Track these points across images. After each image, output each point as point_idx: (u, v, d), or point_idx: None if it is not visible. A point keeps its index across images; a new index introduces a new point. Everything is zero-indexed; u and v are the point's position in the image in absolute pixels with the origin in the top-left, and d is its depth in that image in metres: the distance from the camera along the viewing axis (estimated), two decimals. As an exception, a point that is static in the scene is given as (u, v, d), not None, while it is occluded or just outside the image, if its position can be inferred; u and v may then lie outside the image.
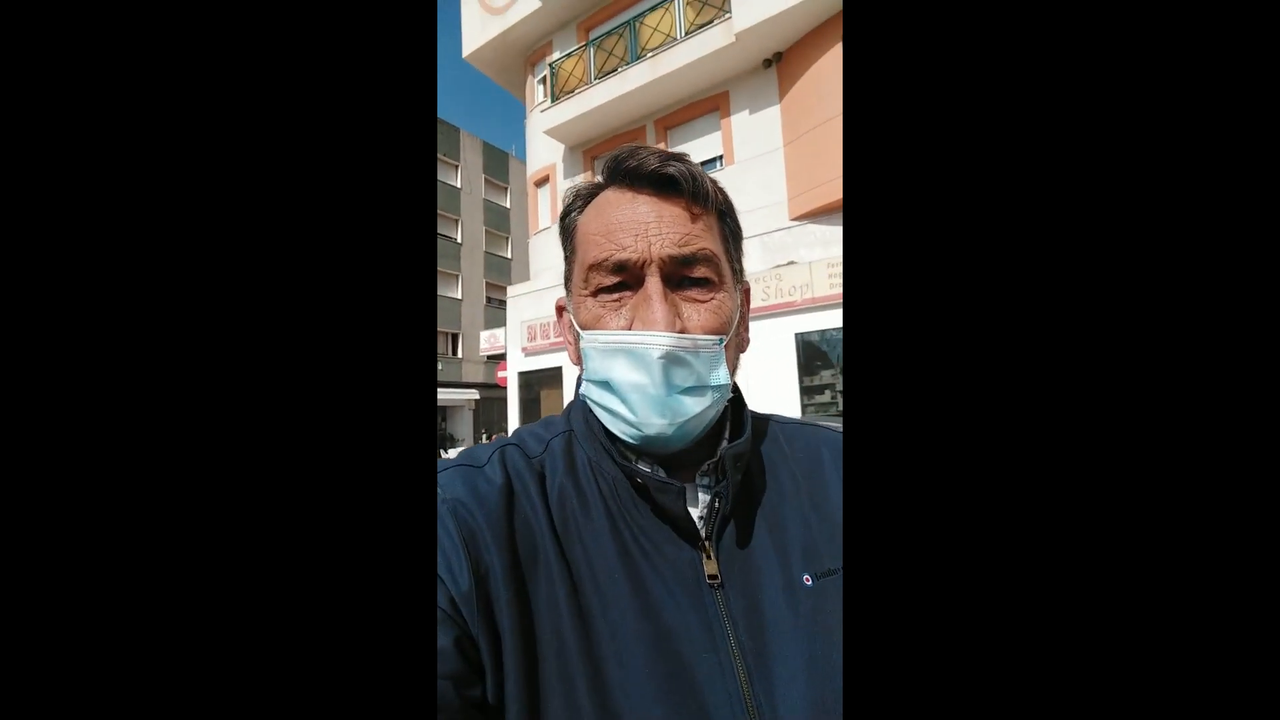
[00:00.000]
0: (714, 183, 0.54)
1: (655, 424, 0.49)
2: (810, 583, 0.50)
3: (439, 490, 0.50)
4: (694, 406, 0.50)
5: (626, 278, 0.51)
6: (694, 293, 0.51)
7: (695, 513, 0.51)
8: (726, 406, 0.55)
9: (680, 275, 0.51)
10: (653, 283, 0.49)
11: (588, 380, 0.53)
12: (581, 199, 0.56)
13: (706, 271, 0.51)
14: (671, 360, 0.48)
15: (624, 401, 0.50)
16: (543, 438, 0.56)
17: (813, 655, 0.47)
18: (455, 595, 0.44)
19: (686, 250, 0.50)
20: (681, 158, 0.52)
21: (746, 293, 0.59)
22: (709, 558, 0.49)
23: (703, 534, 0.50)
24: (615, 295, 0.51)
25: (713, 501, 0.51)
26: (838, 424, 0.64)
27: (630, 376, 0.49)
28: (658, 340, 0.48)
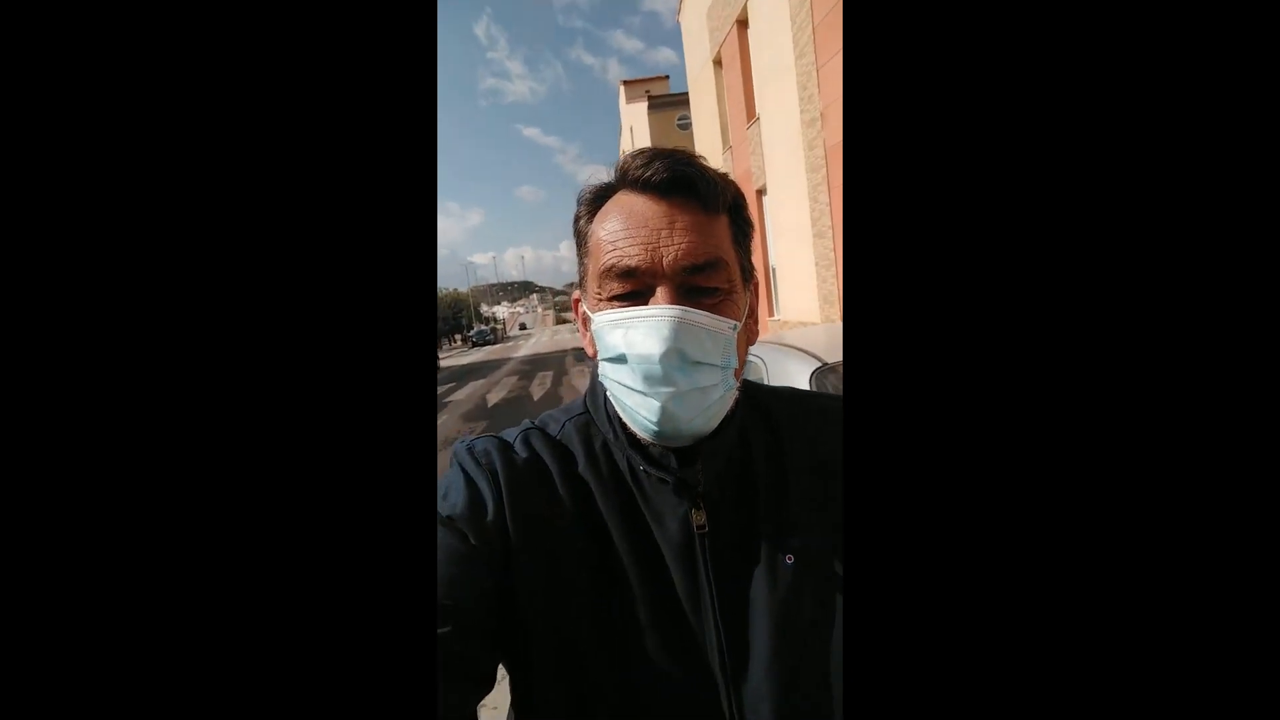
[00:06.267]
0: (724, 178, 0.53)
1: (663, 392, 0.50)
2: (791, 562, 0.53)
3: (472, 446, 0.57)
4: (702, 380, 0.50)
5: (638, 285, 0.51)
6: (704, 300, 0.52)
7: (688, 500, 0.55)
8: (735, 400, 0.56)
9: (690, 284, 0.51)
10: (663, 293, 0.50)
11: (603, 359, 0.54)
12: (592, 204, 0.56)
13: (717, 280, 0.52)
14: (683, 331, 0.49)
15: (634, 373, 0.50)
16: (560, 420, 0.61)
17: (787, 630, 0.51)
18: (468, 513, 0.52)
19: (698, 260, 0.50)
20: (692, 159, 0.52)
21: (756, 287, 0.59)
22: (702, 544, 0.53)
23: (695, 522, 0.54)
24: (628, 303, 0.52)
25: (705, 489, 0.54)
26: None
27: (642, 347, 0.49)
28: (669, 312, 0.49)
